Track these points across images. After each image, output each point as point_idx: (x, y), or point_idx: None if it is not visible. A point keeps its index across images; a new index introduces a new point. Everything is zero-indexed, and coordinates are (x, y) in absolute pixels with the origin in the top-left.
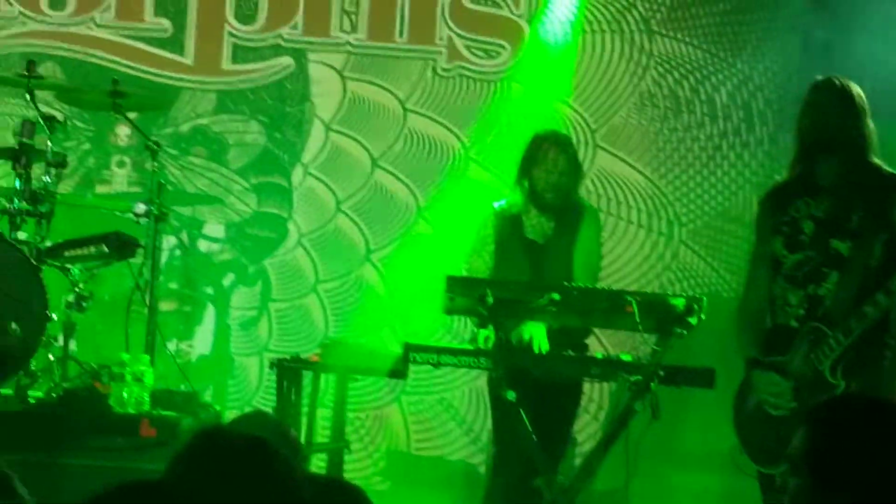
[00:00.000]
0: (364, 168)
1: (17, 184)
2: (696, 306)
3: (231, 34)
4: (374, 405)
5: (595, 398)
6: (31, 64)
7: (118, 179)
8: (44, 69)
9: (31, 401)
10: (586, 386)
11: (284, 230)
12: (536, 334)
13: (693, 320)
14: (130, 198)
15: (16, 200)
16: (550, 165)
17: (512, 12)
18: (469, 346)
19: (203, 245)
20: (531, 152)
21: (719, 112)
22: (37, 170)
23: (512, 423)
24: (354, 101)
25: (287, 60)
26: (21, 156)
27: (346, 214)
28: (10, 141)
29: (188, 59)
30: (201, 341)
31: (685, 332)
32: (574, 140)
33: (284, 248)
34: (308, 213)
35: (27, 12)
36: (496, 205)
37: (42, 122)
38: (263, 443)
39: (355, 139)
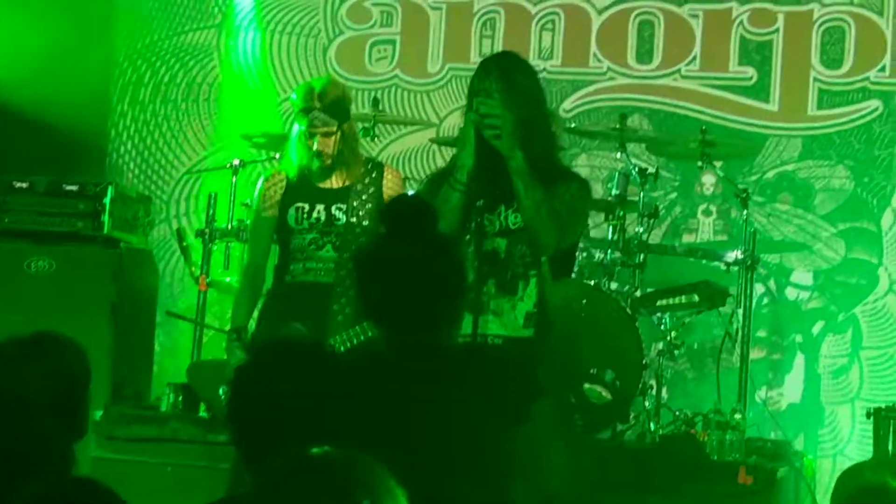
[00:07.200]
0: None
1: (611, 234)
2: None
3: (817, 79)
4: None
5: None
6: (622, 117)
7: (704, 228)
8: (632, 122)
9: (626, 445)
10: None
11: (875, 277)
12: None
13: None
14: (716, 246)
15: (609, 251)
16: None
17: None
18: None
19: (791, 293)
20: None
21: None
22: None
23: None
24: None
25: (875, 103)
26: (615, 207)
27: None
28: (600, 192)
29: (773, 106)
30: (791, 389)
31: None
32: None
33: (875, 295)
34: None
35: (615, 67)
36: None
37: (634, 173)
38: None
39: None
